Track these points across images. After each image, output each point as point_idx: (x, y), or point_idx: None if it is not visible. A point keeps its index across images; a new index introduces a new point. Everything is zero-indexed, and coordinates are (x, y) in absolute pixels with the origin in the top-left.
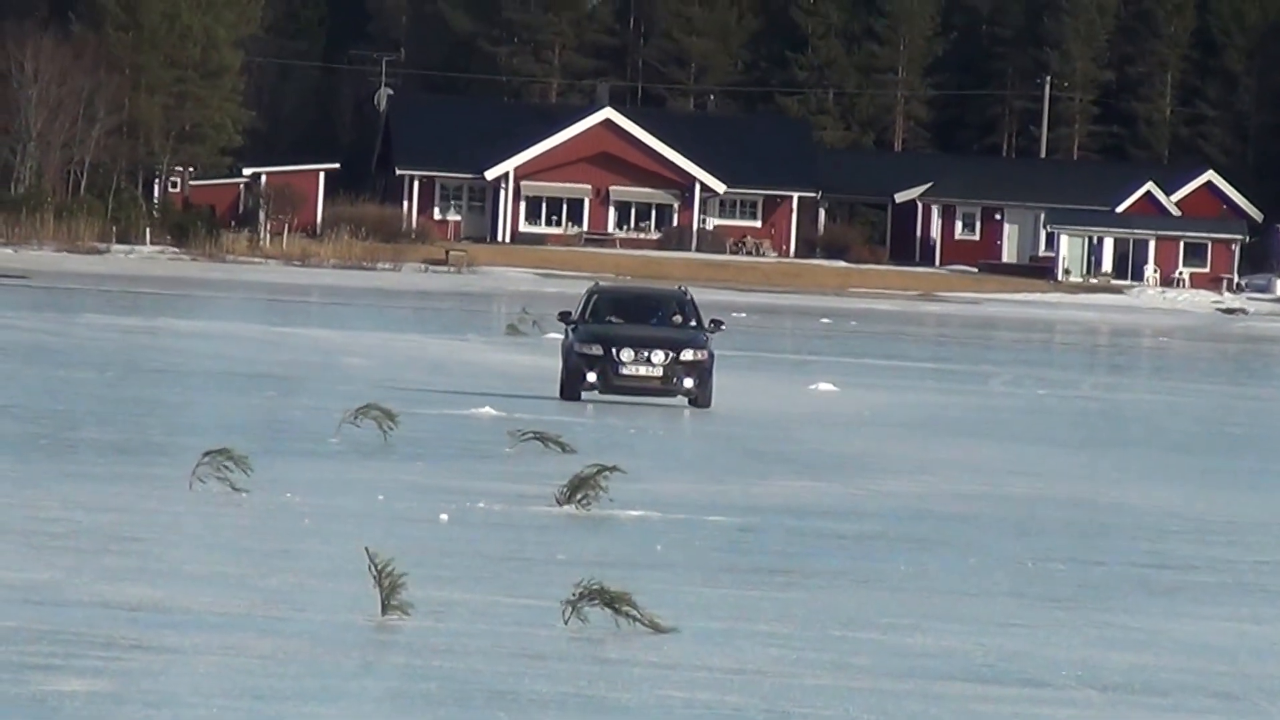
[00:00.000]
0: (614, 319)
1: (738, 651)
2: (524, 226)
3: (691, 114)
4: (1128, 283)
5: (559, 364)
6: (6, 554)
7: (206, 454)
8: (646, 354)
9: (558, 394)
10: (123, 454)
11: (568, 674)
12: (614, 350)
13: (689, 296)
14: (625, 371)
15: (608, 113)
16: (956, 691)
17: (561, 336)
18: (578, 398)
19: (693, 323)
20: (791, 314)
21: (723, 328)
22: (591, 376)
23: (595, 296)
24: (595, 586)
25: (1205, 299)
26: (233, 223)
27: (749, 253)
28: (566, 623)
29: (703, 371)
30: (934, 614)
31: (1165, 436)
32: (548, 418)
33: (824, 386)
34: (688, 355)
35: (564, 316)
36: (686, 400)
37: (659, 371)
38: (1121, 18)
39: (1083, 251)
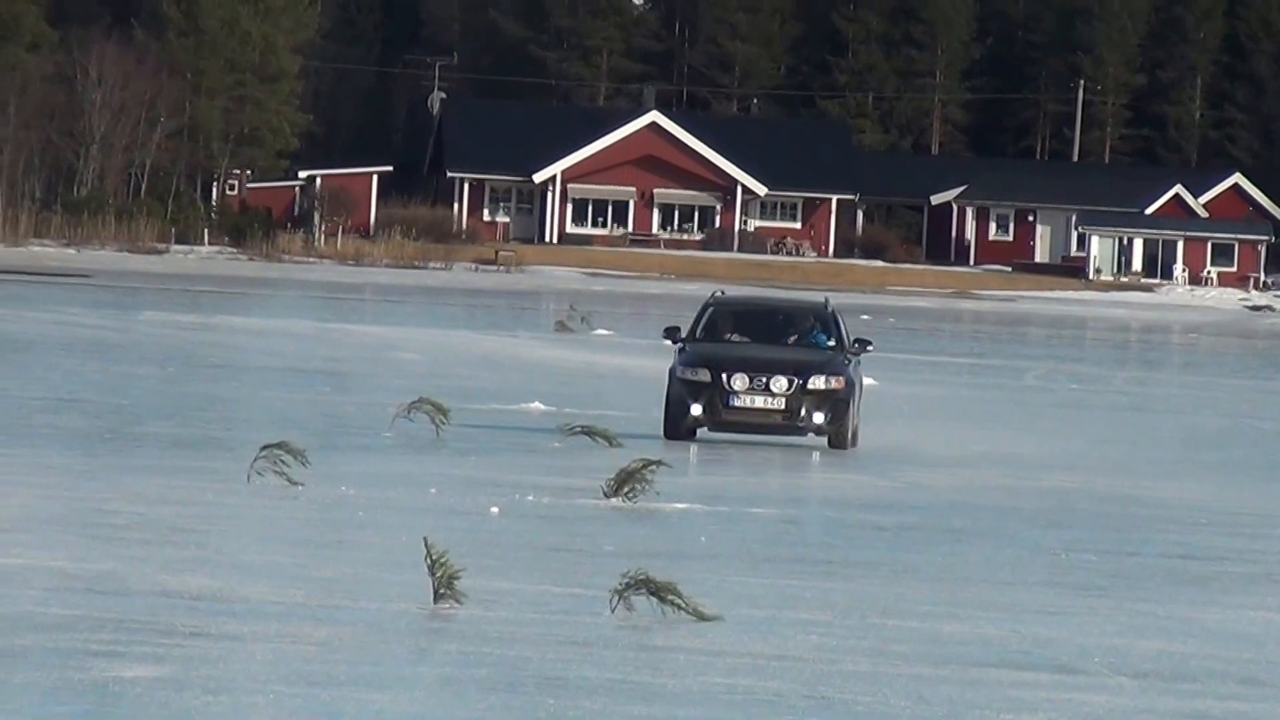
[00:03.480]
0: (734, 337)
1: (780, 639)
2: (571, 228)
3: (734, 117)
4: (1157, 281)
5: (611, 360)
6: (71, 545)
7: (264, 448)
8: (765, 381)
9: (661, 432)
10: (183, 448)
11: (615, 661)
12: (724, 376)
13: (830, 310)
14: (737, 403)
15: (653, 116)
16: (992, 678)
17: (666, 350)
18: (685, 435)
19: (831, 342)
20: None
21: (870, 348)
22: (696, 409)
23: (712, 309)
24: (641, 576)
25: (1233, 297)
26: (288, 224)
27: (789, 253)
28: (614, 611)
29: (838, 404)
30: (970, 603)
31: (1195, 430)
32: (590, 412)
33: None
34: (817, 383)
35: (671, 333)
36: (824, 440)
37: (780, 404)
38: (1152, 23)
39: (1113, 251)
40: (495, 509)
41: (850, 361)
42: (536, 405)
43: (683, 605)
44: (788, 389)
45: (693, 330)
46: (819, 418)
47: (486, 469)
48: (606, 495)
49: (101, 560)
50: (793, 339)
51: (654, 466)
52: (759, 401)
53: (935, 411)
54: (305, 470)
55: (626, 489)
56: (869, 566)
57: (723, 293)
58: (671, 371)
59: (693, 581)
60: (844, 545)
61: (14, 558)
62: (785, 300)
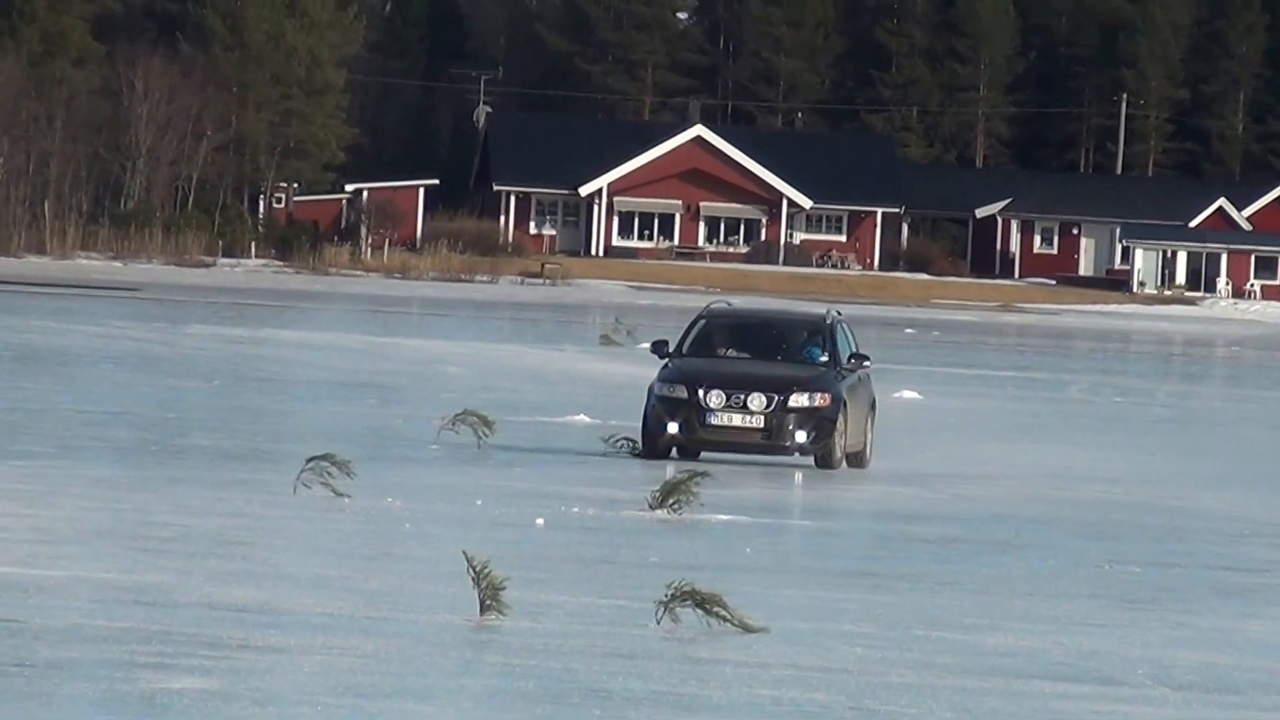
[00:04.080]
0: (724, 352)
1: (825, 651)
2: (617, 241)
3: (779, 131)
4: (1200, 295)
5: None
6: (119, 557)
7: (310, 460)
8: (742, 398)
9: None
10: (230, 460)
11: (660, 673)
12: (700, 393)
13: (830, 323)
14: (714, 421)
15: (698, 130)
16: (1036, 689)
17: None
18: (661, 454)
19: (824, 357)
20: (876, 325)
21: (868, 364)
22: (672, 427)
23: (705, 321)
24: (687, 588)
25: (1277, 310)
26: (335, 237)
27: (834, 266)
28: (659, 623)
29: (822, 422)
30: (1014, 614)
31: (1238, 442)
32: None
33: (908, 394)
34: (800, 400)
35: (659, 347)
36: (811, 459)
37: (759, 422)
38: (1195, 37)
39: (1157, 265)
40: (540, 521)
41: (844, 377)
42: (581, 418)
43: (728, 617)
44: (766, 406)
45: (680, 345)
46: (801, 436)
47: (531, 481)
48: (651, 507)
49: (149, 572)
50: (787, 354)
51: (699, 478)
52: (737, 419)
53: (979, 424)
54: (351, 482)
55: (671, 501)
56: (913, 578)
57: (727, 304)
58: (650, 388)
59: (738, 593)
60: (888, 557)
61: (62, 570)
62: (781, 313)
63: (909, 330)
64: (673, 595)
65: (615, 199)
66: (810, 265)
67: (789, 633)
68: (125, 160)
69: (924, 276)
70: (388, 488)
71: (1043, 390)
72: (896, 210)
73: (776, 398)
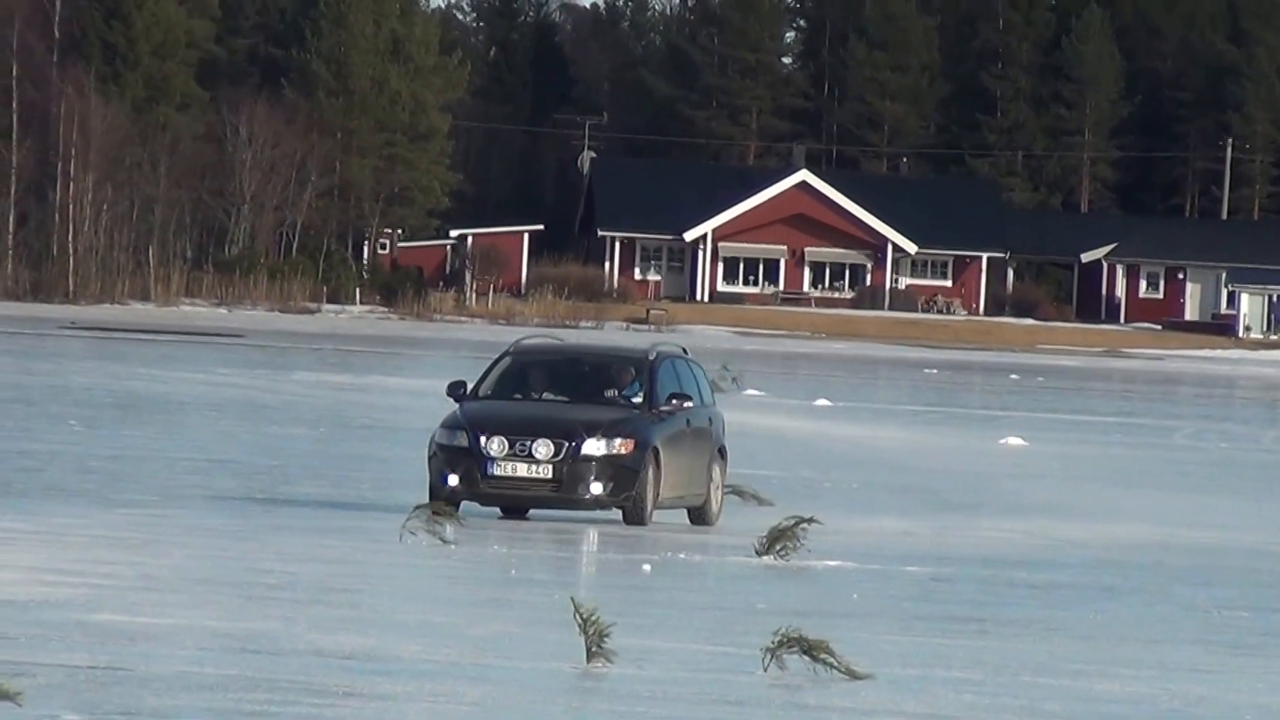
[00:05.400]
0: (532, 393)
1: (932, 698)
2: (722, 286)
3: (884, 176)
4: None
5: (762, 420)
6: (225, 604)
7: (416, 507)
8: (526, 445)
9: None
10: (335, 508)
11: None
12: (481, 440)
13: (653, 359)
14: (497, 472)
15: (803, 175)
16: None
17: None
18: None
19: (636, 399)
20: (981, 370)
21: (689, 404)
22: (453, 479)
23: (508, 360)
24: (794, 634)
25: None
26: (440, 283)
27: (940, 311)
28: (766, 670)
29: (621, 471)
30: (1121, 660)
31: None
32: (741, 471)
33: (1013, 440)
34: (595, 448)
35: (455, 389)
36: (623, 514)
37: (546, 471)
38: None
39: (1263, 309)
40: (647, 567)
41: (661, 420)
42: None
43: (835, 664)
44: (555, 455)
45: (477, 385)
46: (598, 488)
47: (638, 526)
48: (758, 553)
49: (255, 620)
50: (598, 395)
51: (806, 524)
52: (522, 469)
53: (1084, 470)
54: (457, 529)
55: (778, 547)
56: (1020, 624)
57: (525, 341)
58: (433, 436)
59: (845, 640)
60: (995, 603)
61: (168, 617)
62: (595, 349)
63: (1014, 376)
64: (779, 642)
65: (720, 244)
66: (916, 310)
67: (895, 679)
68: (229, 206)
69: (1029, 322)
70: (493, 534)
71: (1148, 436)
72: (1002, 255)
73: (567, 444)
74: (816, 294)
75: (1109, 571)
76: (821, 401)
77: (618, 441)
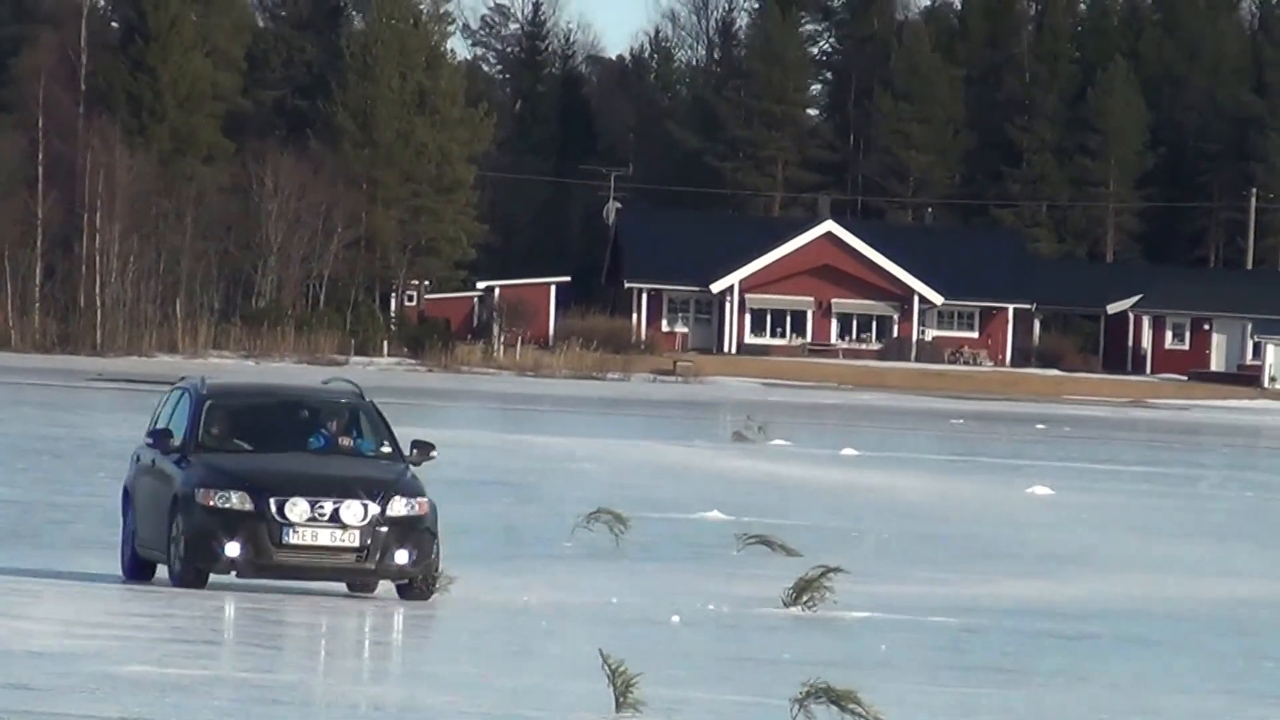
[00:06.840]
0: (242, 442)
1: None
2: (749, 338)
3: (910, 226)
4: None
5: (788, 470)
6: (255, 656)
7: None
8: (334, 508)
9: (168, 578)
10: None
11: None
12: (273, 503)
13: (370, 401)
14: (295, 540)
15: (829, 226)
16: None
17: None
18: (202, 583)
19: (386, 448)
20: (1007, 420)
21: (433, 455)
22: (233, 549)
23: (209, 404)
24: (822, 685)
25: None
26: (467, 335)
27: (966, 362)
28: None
29: (422, 536)
30: (1150, 710)
31: None
32: (768, 520)
33: (1040, 490)
34: (399, 508)
35: (160, 438)
36: (400, 589)
37: (353, 539)
38: None
39: None
40: (676, 618)
41: (415, 475)
42: (715, 514)
43: (863, 714)
44: (363, 519)
45: (192, 434)
46: (402, 557)
47: (666, 577)
48: (786, 604)
49: (286, 671)
50: (323, 442)
51: (833, 574)
52: (325, 537)
53: (1111, 519)
54: (488, 581)
55: (806, 597)
56: (1049, 674)
57: (208, 382)
58: (179, 497)
59: (873, 690)
60: (1023, 653)
61: (199, 669)
62: (301, 390)
63: (1040, 426)
64: (807, 692)
65: (747, 296)
66: (942, 362)
67: None
68: (256, 258)
69: (1055, 372)
70: (524, 585)
71: (1173, 485)
72: (1028, 306)
73: (373, 506)
74: (844, 345)
75: (1137, 621)
76: (848, 451)
77: (415, 503)
